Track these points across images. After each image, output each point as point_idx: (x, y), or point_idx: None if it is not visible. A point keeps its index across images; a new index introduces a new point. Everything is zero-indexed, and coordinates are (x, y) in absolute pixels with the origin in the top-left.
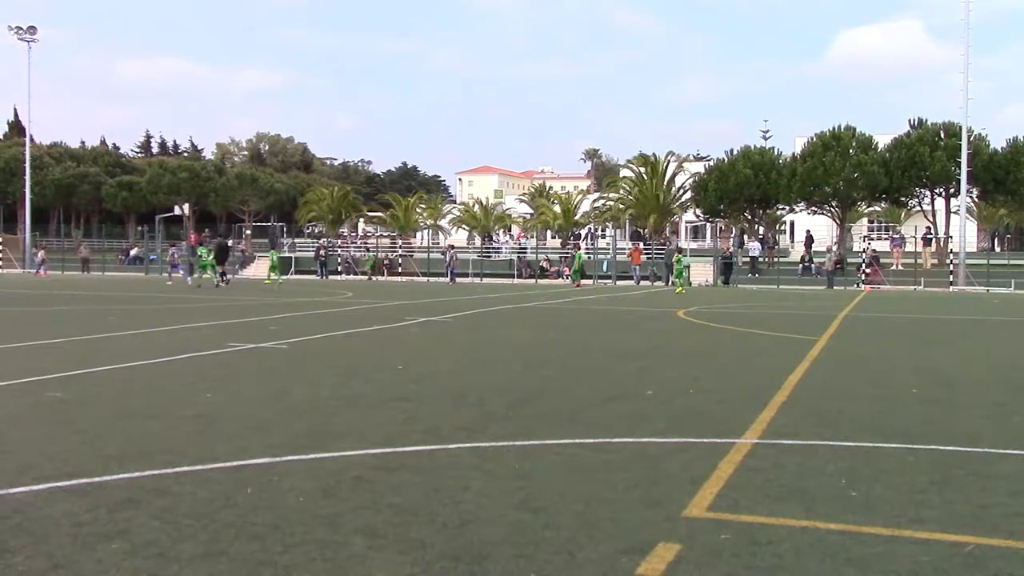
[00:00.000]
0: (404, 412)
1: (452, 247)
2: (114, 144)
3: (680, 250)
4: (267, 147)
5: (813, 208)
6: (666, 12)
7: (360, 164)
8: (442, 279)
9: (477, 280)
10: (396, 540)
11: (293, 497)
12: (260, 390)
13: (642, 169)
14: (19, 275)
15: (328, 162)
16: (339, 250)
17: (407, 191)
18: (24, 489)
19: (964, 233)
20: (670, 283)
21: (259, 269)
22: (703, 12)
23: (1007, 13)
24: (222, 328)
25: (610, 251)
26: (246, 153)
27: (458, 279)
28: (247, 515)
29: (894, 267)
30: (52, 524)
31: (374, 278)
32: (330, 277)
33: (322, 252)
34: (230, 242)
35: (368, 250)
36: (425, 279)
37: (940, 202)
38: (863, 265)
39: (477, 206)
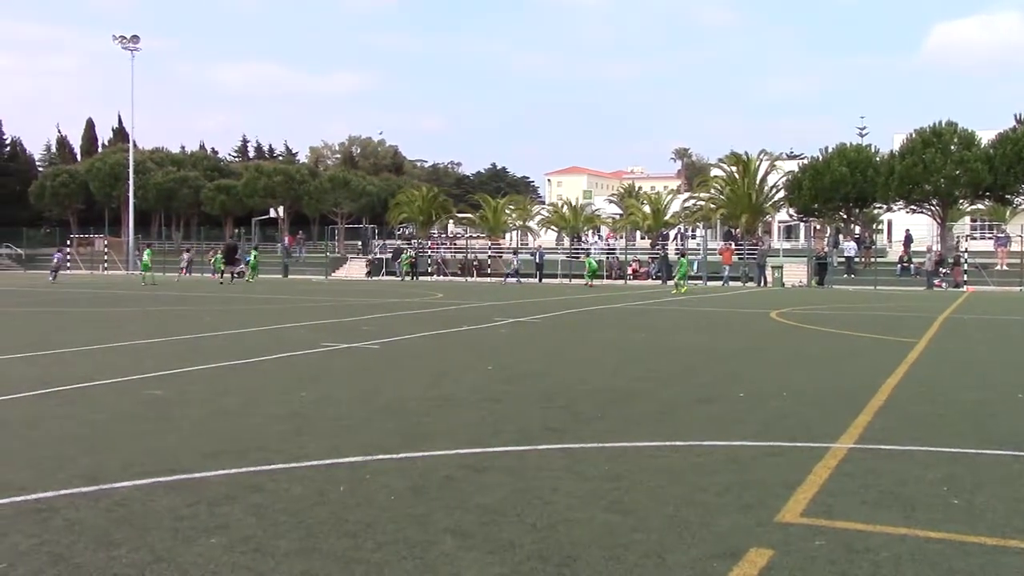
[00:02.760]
0: (494, 412)
1: (516, 252)
2: (212, 148)
3: (682, 252)
4: (359, 150)
5: (912, 207)
6: (754, 8)
7: (450, 166)
8: (531, 280)
9: (566, 281)
10: (485, 540)
11: (384, 495)
12: (352, 390)
13: (733, 168)
14: (123, 276)
15: (418, 164)
16: (429, 251)
17: (496, 192)
18: (127, 484)
19: None
20: (762, 284)
21: (351, 270)
22: (791, 7)
23: None
24: (316, 328)
25: (701, 251)
26: (339, 156)
27: (546, 280)
28: (340, 512)
29: (999, 267)
30: (154, 518)
31: (406, 278)
32: (420, 278)
33: (410, 253)
34: (238, 243)
35: (404, 250)
36: (514, 280)
37: None
38: (939, 265)
39: (566, 207)
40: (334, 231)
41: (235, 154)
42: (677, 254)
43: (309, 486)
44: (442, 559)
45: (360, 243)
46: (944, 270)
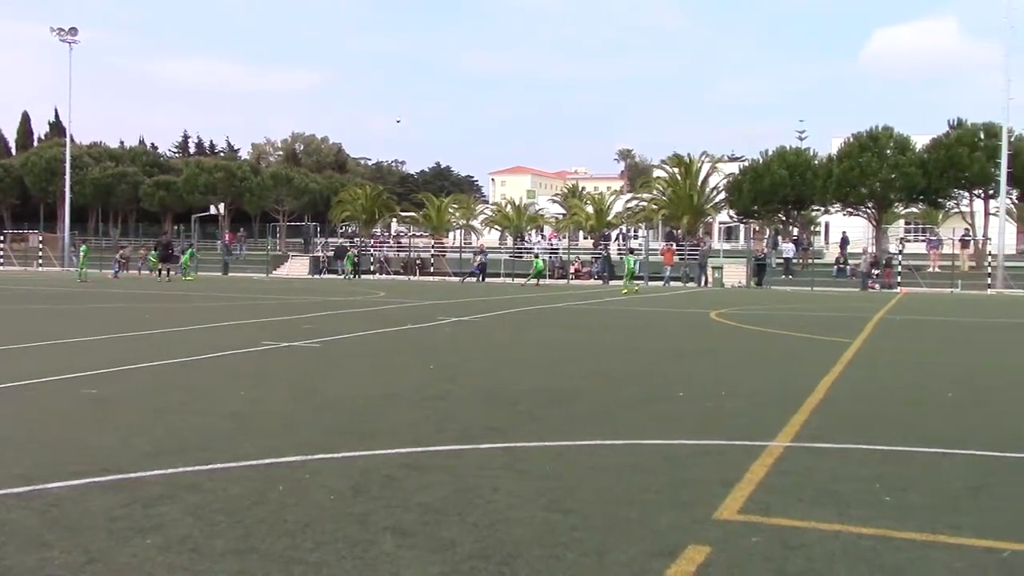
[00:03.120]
0: (435, 411)
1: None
2: (152, 144)
3: (632, 250)
4: (302, 147)
5: (849, 210)
6: (699, 12)
7: (393, 164)
8: (474, 279)
9: (509, 280)
10: (426, 539)
11: (324, 495)
12: (292, 388)
13: (675, 169)
14: (59, 273)
15: (362, 162)
16: (372, 250)
17: (440, 191)
18: (61, 484)
19: (1003, 235)
20: (702, 284)
21: (292, 268)
22: (737, 12)
23: None
24: (256, 326)
25: (642, 252)
26: (281, 153)
27: (488, 279)
28: (278, 512)
29: (931, 269)
30: (88, 519)
31: (350, 277)
32: (362, 277)
33: (353, 252)
34: (172, 240)
35: (350, 247)
36: (457, 279)
37: (979, 203)
38: (873, 267)
39: (509, 206)
40: (276, 229)
41: (175, 150)
42: (621, 253)
43: (247, 486)
44: (382, 558)
45: (302, 241)
46: (876, 271)
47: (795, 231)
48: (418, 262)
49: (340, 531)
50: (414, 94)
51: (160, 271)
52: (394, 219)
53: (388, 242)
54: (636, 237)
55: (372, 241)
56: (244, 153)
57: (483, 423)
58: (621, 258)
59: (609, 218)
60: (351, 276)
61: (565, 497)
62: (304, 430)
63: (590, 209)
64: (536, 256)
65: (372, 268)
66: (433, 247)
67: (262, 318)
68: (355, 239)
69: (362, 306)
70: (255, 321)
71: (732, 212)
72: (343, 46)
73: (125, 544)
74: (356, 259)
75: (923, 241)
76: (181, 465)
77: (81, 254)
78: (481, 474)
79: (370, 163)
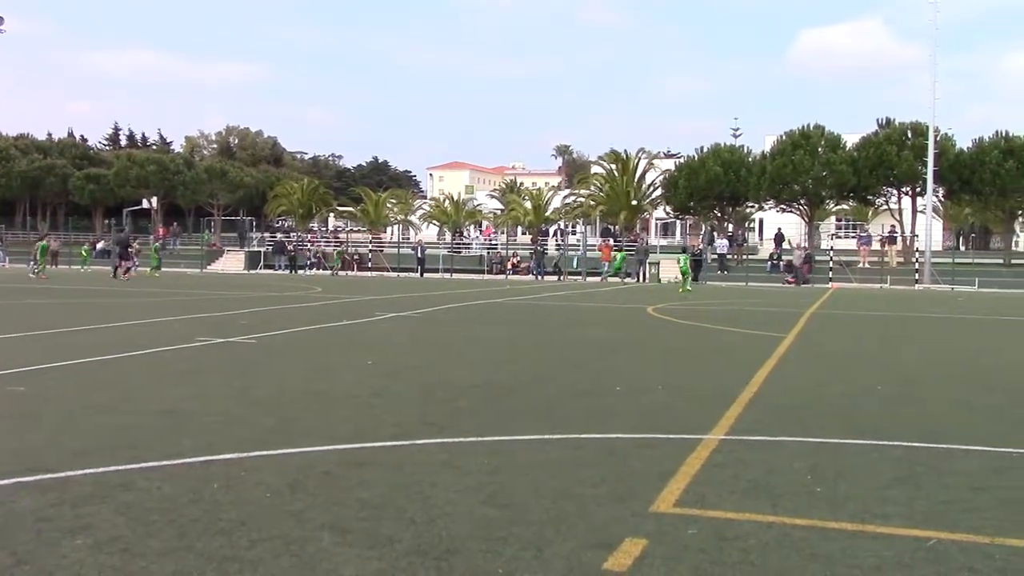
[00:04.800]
0: (373, 407)
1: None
2: (82, 136)
3: (684, 249)
4: (237, 141)
5: (782, 206)
6: (635, 10)
7: (331, 158)
8: (412, 274)
9: (447, 276)
10: (364, 535)
11: (260, 492)
12: (228, 385)
13: (613, 166)
14: None
15: (298, 156)
16: (309, 244)
17: (378, 186)
18: None
19: (930, 232)
20: (640, 279)
21: (228, 263)
22: (671, 9)
23: (973, 15)
24: (190, 322)
25: (580, 247)
26: (215, 146)
27: (427, 274)
28: (214, 510)
29: (861, 265)
30: (15, 519)
31: (339, 273)
32: (298, 272)
33: (290, 247)
34: (131, 235)
35: (338, 244)
36: (395, 274)
37: (907, 201)
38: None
39: (448, 202)
40: (210, 223)
41: (106, 143)
42: (560, 248)
43: (181, 484)
44: (320, 555)
45: (238, 235)
46: (797, 264)
47: (730, 227)
48: (356, 257)
49: (277, 528)
50: (351, 88)
51: (116, 269)
52: (331, 214)
53: (326, 237)
54: (574, 233)
55: (309, 236)
56: (177, 146)
57: (421, 419)
58: (559, 253)
59: (547, 214)
60: (338, 272)
61: (503, 492)
62: (240, 427)
63: (528, 205)
64: (619, 250)
65: (309, 263)
66: (371, 242)
67: (196, 314)
68: (291, 234)
69: (299, 302)
70: (189, 317)
71: (669, 208)
72: (279, 39)
73: (54, 545)
74: (344, 255)
75: (853, 237)
76: (112, 464)
77: (38, 250)
78: (419, 470)
79: (307, 157)
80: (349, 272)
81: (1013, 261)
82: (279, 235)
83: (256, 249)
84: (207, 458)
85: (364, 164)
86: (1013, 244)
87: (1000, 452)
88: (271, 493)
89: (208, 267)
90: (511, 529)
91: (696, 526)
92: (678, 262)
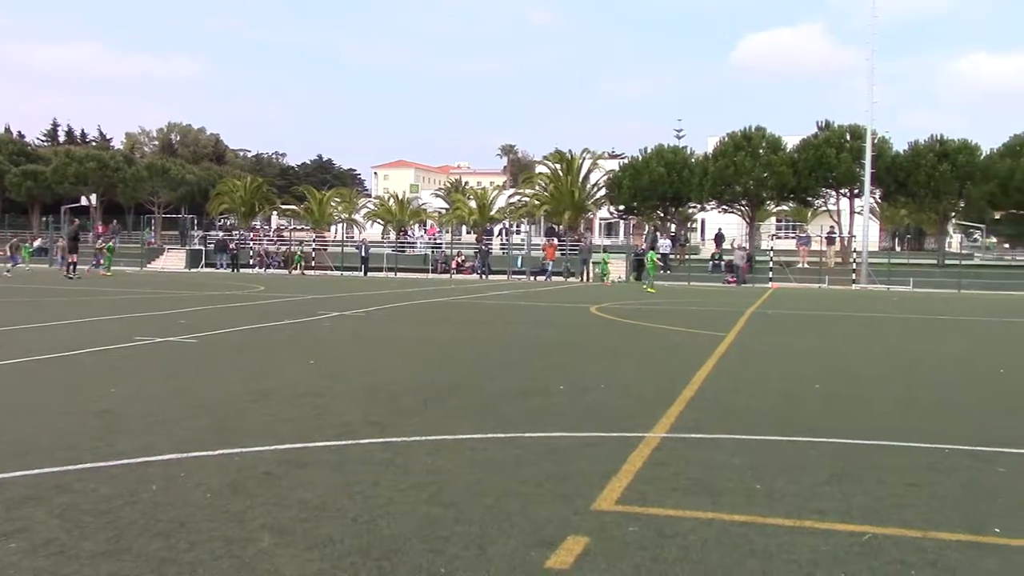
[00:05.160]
0: (315, 407)
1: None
2: (19, 132)
3: (651, 247)
4: (178, 137)
5: (724, 207)
6: (581, 12)
7: (274, 156)
8: (356, 273)
9: (391, 275)
10: (304, 536)
11: (200, 494)
12: (168, 385)
13: (557, 166)
14: None
15: (241, 153)
16: (252, 243)
17: (322, 184)
18: None
19: (867, 233)
20: (584, 279)
21: (168, 261)
22: (615, 11)
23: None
24: (129, 321)
25: (524, 247)
26: (156, 143)
27: (371, 273)
28: (152, 512)
29: (800, 265)
30: None
31: (305, 272)
32: (241, 270)
33: (232, 245)
34: (80, 230)
35: (294, 244)
36: (339, 273)
37: (845, 202)
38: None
39: (392, 200)
40: (151, 221)
41: (44, 138)
42: (504, 248)
43: (119, 486)
44: (259, 556)
45: (179, 233)
46: (739, 264)
47: (673, 227)
48: (276, 255)
49: (216, 530)
50: (295, 85)
51: (70, 265)
52: (274, 212)
53: (269, 235)
54: (518, 232)
55: (251, 234)
56: (117, 143)
57: (363, 418)
58: (500, 251)
59: (492, 213)
60: (294, 271)
61: (446, 491)
62: (179, 428)
63: (473, 204)
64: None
65: (251, 262)
66: (315, 241)
67: (135, 313)
68: (233, 232)
69: (241, 300)
70: (127, 316)
71: (612, 208)
72: (222, 35)
73: None
74: (304, 254)
75: (793, 238)
76: (47, 465)
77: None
78: (361, 469)
79: (250, 155)
80: (293, 271)
81: (946, 262)
82: (221, 233)
83: (197, 247)
84: (145, 459)
85: (308, 162)
86: (946, 245)
87: (933, 448)
88: (211, 494)
89: (148, 265)
90: (453, 528)
91: (637, 524)
92: (646, 261)
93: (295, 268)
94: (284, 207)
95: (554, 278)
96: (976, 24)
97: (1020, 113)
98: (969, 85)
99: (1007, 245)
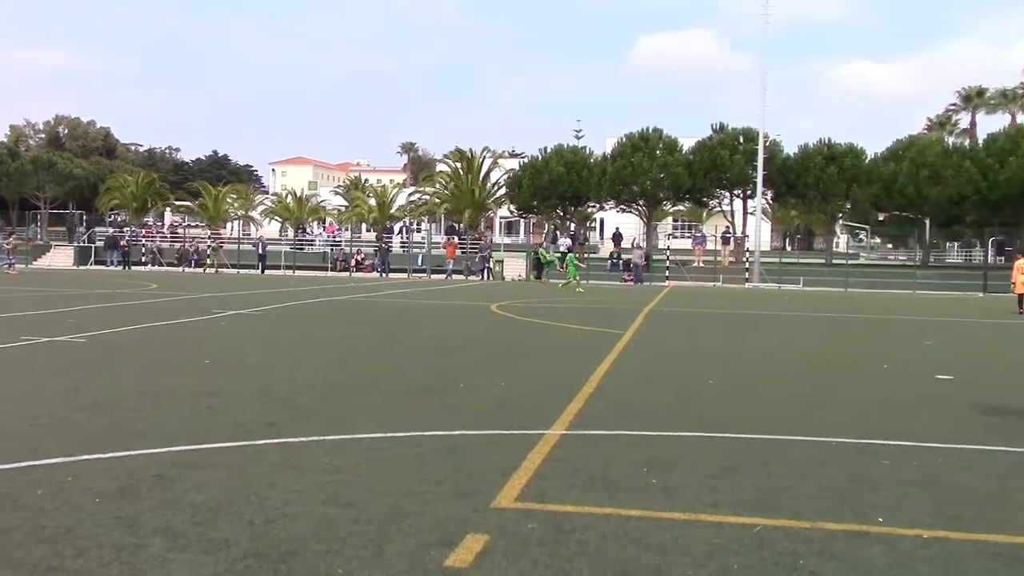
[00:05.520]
0: (210, 408)
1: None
2: None
3: (570, 249)
4: (66, 131)
5: (622, 207)
6: (481, 10)
7: (167, 151)
8: (253, 271)
9: (290, 273)
10: (198, 540)
11: (88, 498)
12: (55, 386)
13: (458, 164)
14: None
15: (133, 148)
16: (144, 240)
17: (217, 180)
18: None
19: (759, 233)
20: (484, 277)
21: (55, 258)
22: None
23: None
24: (14, 321)
25: (425, 245)
26: (43, 136)
27: (269, 271)
28: (37, 518)
29: (696, 264)
30: None
31: (219, 271)
32: (133, 268)
33: (123, 242)
34: None
35: (209, 241)
36: (235, 271)
37: (738, 203)
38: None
39: (290, 197)
40: (36, 216)
41: None
42: (402, 245)
43: (2, 490)
44: (151, 562)
45: (66, 230)
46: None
47: (572, 226)
48: (194, 255)
49: (105, 535)
50: (189, 79)
51: None
52: (168, 208)
53: (162, 232)
54: (419, 230)
55: (144, 231)
56: (1, 136)
57: (259, 419)
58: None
59: (392, 211)
60: (209, 270)
61: (344, 491)
62: (67, 430)
63: (373, 202)
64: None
65: (144, 259)
66: (210, 238)
67: (20, 312)
68: (125, 229)
69: (133, 299)
70: (13, 315)
71: (512, 207)
72: (115, 26)
73: None
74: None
75: (689, 238)
76: None
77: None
78: (257, 471)
79: (142, 149)
80: (187, 268)
81: (834, 261)
82: (111, 230)
83: (86, 244)
84: (31, 463)
85: (203, 157)
86: (834, 245)
87: (821, 441)
88: (100, 498)
89: (34, 263)
90: (352, 528)
91: (536, 520)
92: (568, 262)
93: (211, 266)
94: (178, 203)
95: (455, 276)
96: (859, 34)
97: (901, 119)
98: (853, 91)
99: (890, 245)
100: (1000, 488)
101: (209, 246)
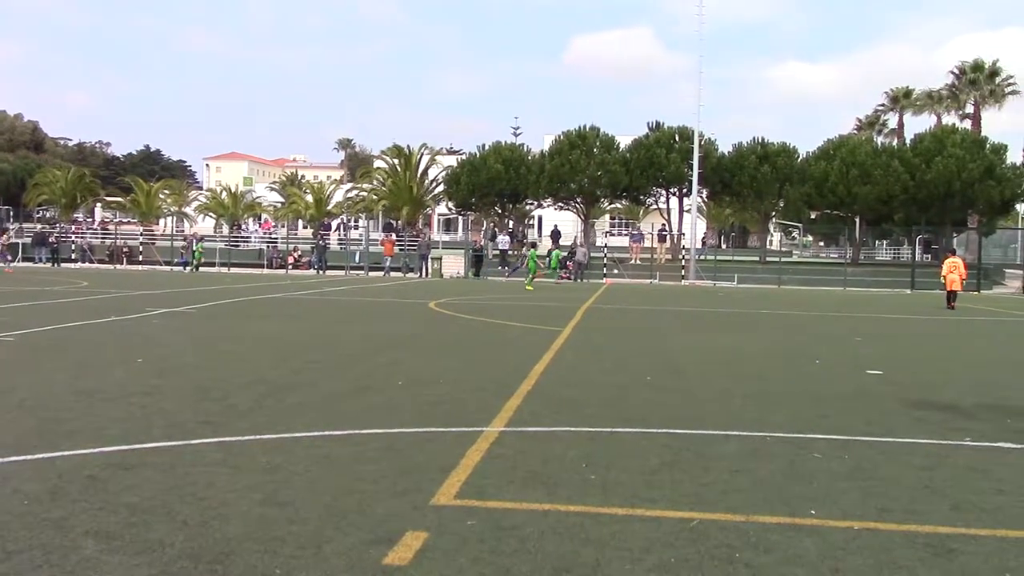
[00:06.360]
0: (144, 407)
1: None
2: None
3: (534, 244)
4: None
5: (560, 204)
6: (416, 7)
7: (98, 146)
8: (186, 268)
9: (224, 270)
10: (132, 541)
11: (17, 500)
12: None
13: (396, 161)
14: None
15: (62, 142)
16: (74, 236)
17: (150, 176)
18: None
19: (695, 230)
20: (423, 274)
21: None
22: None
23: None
24: None
25: (362, 242)
26: None
27: (203, 268)
28: None
29: (632, 261)
30: None
31: (198, 269)
32: (62, 265)
33: (52, 239)
34: None
35: (194, 240)
36: (168, 268)
37: (674, 201)
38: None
39: (225, 193)
40: None
41: None
42: (342, 243)
43: None
44: (83, 564)
45: None
46: (582, 261)
47: (510, 224)
48: (125, 250)
49: (35, 538)
50: (120, 73)
51: None
52: (98, 204)
53: (93, 228)
54: (356, 227)
55: (74, 227)
56: None
57: (195, 418)
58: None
59: (329, 208)
60: (187, 268)
61: (282, 490)
62: None
63: (310, 198)
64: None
65: (73, 256)
66: (142, 234)
67: None
68: (54, 225)
69: (63, 297)
70: None
71: (451, 204)
72: (41, 16)
73: None
74: (55, 245)
75: (626, 235)
76: None
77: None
78: (193, 471)
79: (71, 144)
80: (118, 265)
81: (768, 258)
82: (39, 226)
83: (13, 241)
84: None
85: (135, 152)
86: (768, 243)
87: (756, 436)
88: (29, 500)
89: None
90: (289, 528)
91: (476, 517)
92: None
93: (195, 267)
94: (109, 199)
95: (393, 273)
96: (792, 35)
97: (832, 119)
98: (786, 91)
99: (822, 243)
100: (928, 480)
101: (196, 244)
